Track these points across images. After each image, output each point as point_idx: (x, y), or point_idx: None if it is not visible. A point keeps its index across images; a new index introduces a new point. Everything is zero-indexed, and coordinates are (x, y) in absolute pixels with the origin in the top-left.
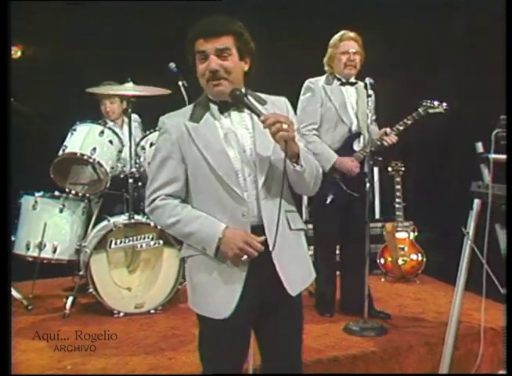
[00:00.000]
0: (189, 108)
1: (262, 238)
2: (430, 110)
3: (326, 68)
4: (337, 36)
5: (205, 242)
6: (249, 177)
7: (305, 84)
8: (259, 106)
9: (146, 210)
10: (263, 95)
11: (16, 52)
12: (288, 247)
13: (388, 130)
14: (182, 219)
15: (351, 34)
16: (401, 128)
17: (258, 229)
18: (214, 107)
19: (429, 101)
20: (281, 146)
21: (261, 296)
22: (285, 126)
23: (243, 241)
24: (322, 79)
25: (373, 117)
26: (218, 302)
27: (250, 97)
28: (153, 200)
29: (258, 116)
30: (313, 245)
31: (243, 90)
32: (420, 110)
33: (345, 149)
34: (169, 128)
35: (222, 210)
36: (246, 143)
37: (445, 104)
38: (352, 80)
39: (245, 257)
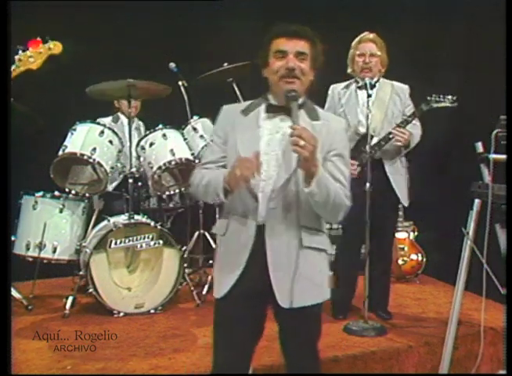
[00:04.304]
0: (247, 103)
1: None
2: (434, 105)
3: (348, 70)
4: (357, 38)
5: (217, 186)
6: (269, 180)
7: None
8: (307, 119)
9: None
10: (323, 112)
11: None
12: (292, 261)
13: (394, 131)
14: (203, 175)
15: (371, 36)
16: (403, 125)
17: (262, 229)
18: (264, 107)
19: (434, 95)
20: (298, 160)
21: (257, 289)
22: (302, 143)
23: (238, 166)
24: (343, 84)
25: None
26: (219, 282)
27: (304, 107)
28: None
29: (293, 124)
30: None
31: (303, 99)
32: (422, 105)
33: (353, 152)
34: (222, 115)
35: (239, 199)
36: (278, 149)
37: (450, 97)
38: (373, 81)
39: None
